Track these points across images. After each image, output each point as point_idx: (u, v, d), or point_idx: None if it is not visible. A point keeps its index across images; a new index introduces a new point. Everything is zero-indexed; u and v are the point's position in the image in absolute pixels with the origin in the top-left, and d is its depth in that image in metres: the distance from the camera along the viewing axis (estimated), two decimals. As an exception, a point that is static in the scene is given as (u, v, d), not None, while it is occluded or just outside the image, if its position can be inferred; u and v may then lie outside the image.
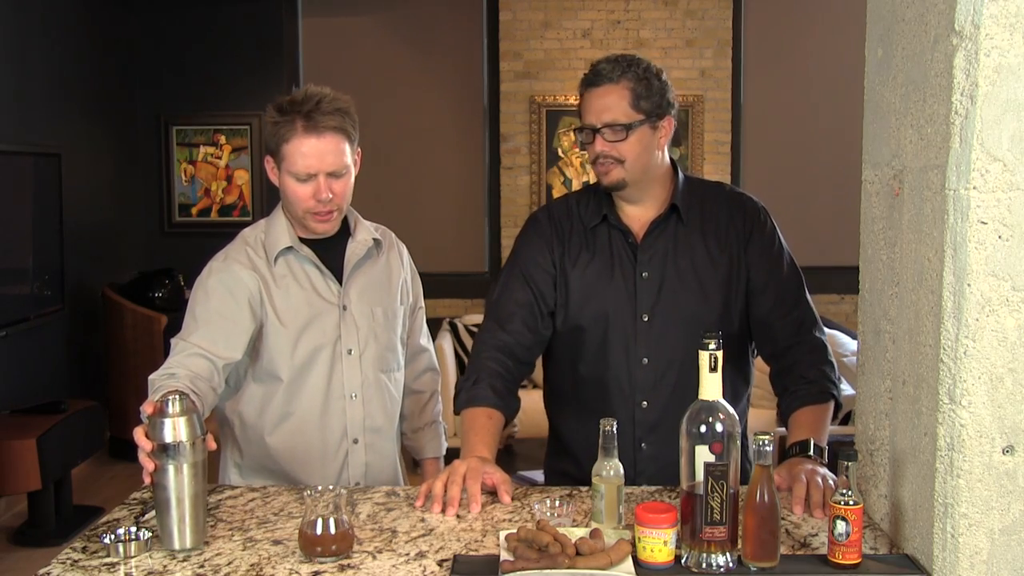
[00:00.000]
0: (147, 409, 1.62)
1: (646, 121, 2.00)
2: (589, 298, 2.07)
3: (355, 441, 2.14)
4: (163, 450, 1.56)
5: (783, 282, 2.08)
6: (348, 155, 2.06)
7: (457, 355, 5.88)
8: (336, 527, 1.55)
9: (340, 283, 2.13)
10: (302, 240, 2.12)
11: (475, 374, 2.06)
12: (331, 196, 2.03)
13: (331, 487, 1.62)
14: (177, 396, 1.59)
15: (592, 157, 2.04)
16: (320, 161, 2.01)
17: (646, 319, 2.05)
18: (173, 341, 2.02)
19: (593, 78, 2.02)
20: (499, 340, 2.08)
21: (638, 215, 2.09)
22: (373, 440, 2.16)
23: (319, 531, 1.54)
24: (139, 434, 1.61)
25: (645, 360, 2.05)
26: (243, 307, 2.04)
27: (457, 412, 2.07)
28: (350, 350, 2.12)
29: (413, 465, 2.48)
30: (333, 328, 2.10)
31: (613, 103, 1.99)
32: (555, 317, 2.11)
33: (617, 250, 2.08)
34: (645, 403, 2.05)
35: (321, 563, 1.53)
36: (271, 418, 2.10)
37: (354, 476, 2.14)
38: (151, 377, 1.92)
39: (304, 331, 2.07)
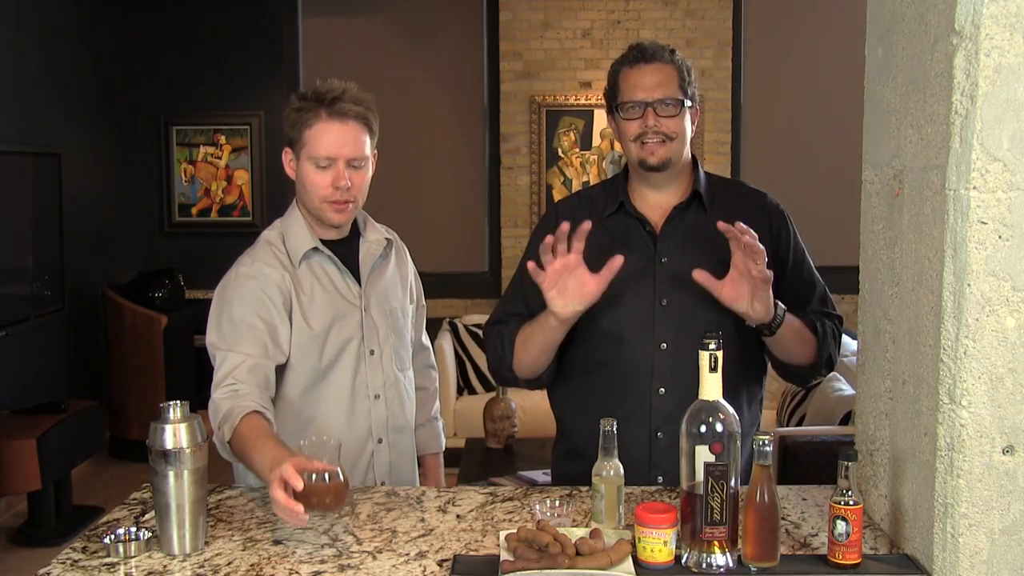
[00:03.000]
0: (291, 476, 1.55)
1: (693, 106, 2.04)
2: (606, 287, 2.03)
3: (379, 441, 2.14)
4: (163, 456, 1.56)
5: (813, 291, 2.09)
6: (368, 147, 2.07)
7: (457, 355, 5.87)
8: (331, 479, 1.54)
9: (359, 284, 2.13)
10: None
11: (499, 343, 2.10)
12: (349, 185, 2.03)
13: (324, 437, 1.61)
14: (178, 402, 1.59)
15: (635, 134, 2.02)
16: (341, 147, 2.01)
17: (664, 303, 2.02)
18: (218, 353, 1.97)
19: (643, 55, 2.03)
20: (501, 331, 2.11)
21: (658, 202, 2.08)
22: (396, 439, 2.17)
23: (313, 481, 1.54)
24: (289, 471, 1.55)
25: (664, 345, 2.01)
26: (281, 309, 2.02)
27: (508, 382, 2.11)
28: (372, 350, 2.12)
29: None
30: (356, 329, 2.10)
31: (667, 79, 2.01)
32: None
33: (634, 238, 2.06)
34: (663, 390, 2.01)
35: (320, 560, 1.53)
36: (298, 424, 2.09)
37: (379, 476, 2.14)
38: (216, 398, 1.89)
39: (330, 333, 2.06)
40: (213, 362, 1.98)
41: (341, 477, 1.56)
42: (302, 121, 2.03)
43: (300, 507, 1.53)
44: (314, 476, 1.54)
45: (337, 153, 2.01)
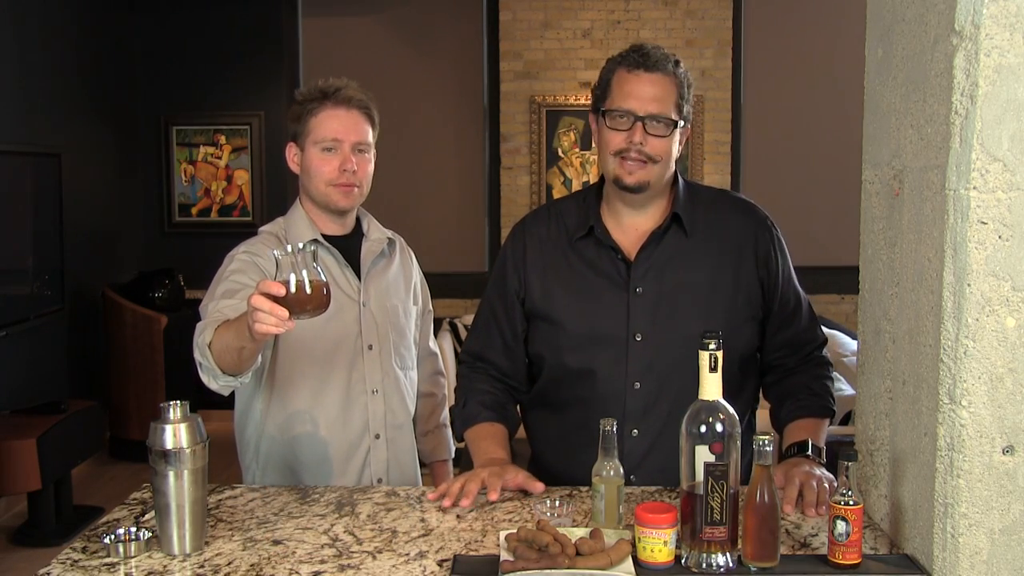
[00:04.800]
0: (270, 285, 1.52)
1: (685, 125, 1.91)
2: (575, 318, 1.93)
3: (377, 437, 2.15)
4: (163, 456, 1.56)
5: (799, 308, 2.03)
6: (371, 136, 2.12)
7: (457, 355, 5.88)
8: (311, 284, 1.54)
9: (359, 279, 2.15)
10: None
11: (463, 398, 2.05)
12: (355, 168, 2.07)
13: (300, 245, 1.60)
14: (178, 402, 1.59)
15: (616, 148, 1.87)
16: (346, 131, 2.07)
17: (639, 339, 1.89)
18: (210, 304, 1.94)
19: (646, 61, 1.85)
20: (478, 367, 2.08)
21: (634, 226, 1.95)
22: (394, 436, 2.18)
23: (293, 290, 1.53)
24: (267, 282, 1.53)
25: (637, 385, 1.89)
26: None
27: (460, 438, 2.06)
28: (370, 346, 2.13)
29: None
30: (354, 323, 2.12)
31: (665, 95, 1.85)
32: (532, 339, 2.02)
33: (606, 266, 1.93)
34: (635, 432, 1.90)
35: (320, 560, 1.53)
36: (294, 415, 2.10)
37: (376, 472, 2.15)
38: (203, 325, 1.84)
39: (326, 326, 2.05)
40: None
41: (324, 286, 1.54)
42: (307, 112, 2.08)
43: (284, 311, 1.52)
44: (293, 286, 1.53)
45: (343, 136, 2.06)
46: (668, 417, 1.86)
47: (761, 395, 2.12)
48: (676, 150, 1.92)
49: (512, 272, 2.03)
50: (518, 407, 2.12)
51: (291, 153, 2.12)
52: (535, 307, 2.00)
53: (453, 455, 2.45)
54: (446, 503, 1.77)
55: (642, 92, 1.85)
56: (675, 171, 1.99)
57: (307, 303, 1.54)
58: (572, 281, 1.96)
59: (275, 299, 1.53)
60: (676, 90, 1.87)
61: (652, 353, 1.90)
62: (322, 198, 2.10)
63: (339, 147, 2.06)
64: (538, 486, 1.82)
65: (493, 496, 1.77)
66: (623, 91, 1.87)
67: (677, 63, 1.90)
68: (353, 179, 2.07)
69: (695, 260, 1.94)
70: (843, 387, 4.21)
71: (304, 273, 1.55)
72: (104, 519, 1.77)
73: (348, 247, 2.16)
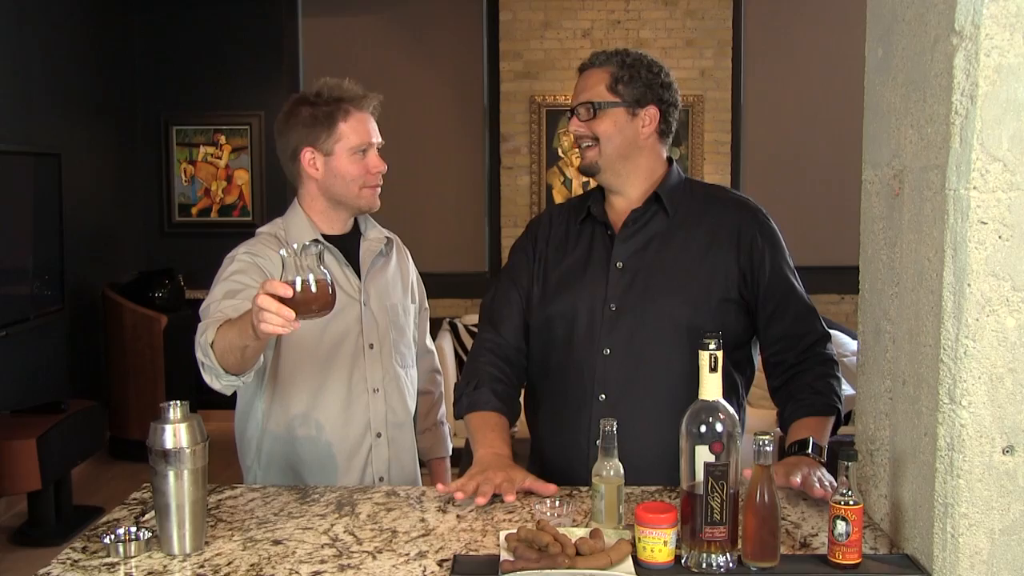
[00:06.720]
0: (276, 285, 1.53)
1: (621, 104, 2.01)
2: (562, 289, 2.05)
3: (378, 435, 2.15)
4: (163, 456, 1.56)
5: (798, 300, 2.04)
6: None
7: (457, 355, 5.88)
8: (316, 285, 1.55)
9: (359, 278, 2.16)
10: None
11: (475, 379, 2.07)
12: (385, 168, 2.15)
13: (306, 243, 1.60)
14: (178, 402, 1.59)
15: (575, 140, 2.08)
16: (373, 133, 2.15)
17: (613, 308, 1.99)
18: (211, 306, 1.94)
19: (583, 66, 2.09)
20: (495, 343, 2.10)
21: (622, 207, 2.07)
22: (395, 434, 2.19)
23: (299, 290, 1.54)
24: (273, 282, 1.54)
25: (607, 351, 1.98)
26: None
27: (459, 416, 2.08)
28: (371, 344, 2.14)
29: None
30: (355, 322, 2.13)
31: (592, 84, 2.04)
32: (531, 312, 2.10)
33: (596, 243, 2.07)
34: (603, 396, 1.97)
35: (320, 560, 1.53)
36: (296, 415, 2.10)
37: (378, 471, 2.16)
38: (205, 325, 1.85)
39: (328, 325, 2.07)
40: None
41: (329, 287, 1.55)
42: (332, 118, 2.10)
43: (290, 311, 1.53)
44: (299, 286, 1.53)
45: (373, 139, 2.14)
46: (635, 385, 1.97)
47: (768, 396, 2.13)
48: (625, 129, 2.02)
49: (530, 247, 2.15)
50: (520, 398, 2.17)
51: (308, 157, 2.12)
52: (533, 282, 2.11)
53: (451, 452, 2.45)
54: (459, 496, 1.78)
55: (577, 88, 2.08)
56: (670, 160, 2.10)
57: (313, 303, 1.55)
58: (566, 258, 2.09)
59: (281, 299, 1.53)
60: (607, 76, 2.03)
61: (624, 322, 1.99)
62: (354, 200, 2.13)
63: (370, 150, 2.13)
64: (548, 488, 1.83)
65: (510, 498, 1.80)
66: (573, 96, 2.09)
67: (615, 55, 2.06)
68: (379, 178, 2.15)
69: (675, 241, 2.04)
70: (843, 387, 4.20)
71: (310, 274, 1.55)
72: (104, 519, 1.77)
73: (347, 247, 2.17)
